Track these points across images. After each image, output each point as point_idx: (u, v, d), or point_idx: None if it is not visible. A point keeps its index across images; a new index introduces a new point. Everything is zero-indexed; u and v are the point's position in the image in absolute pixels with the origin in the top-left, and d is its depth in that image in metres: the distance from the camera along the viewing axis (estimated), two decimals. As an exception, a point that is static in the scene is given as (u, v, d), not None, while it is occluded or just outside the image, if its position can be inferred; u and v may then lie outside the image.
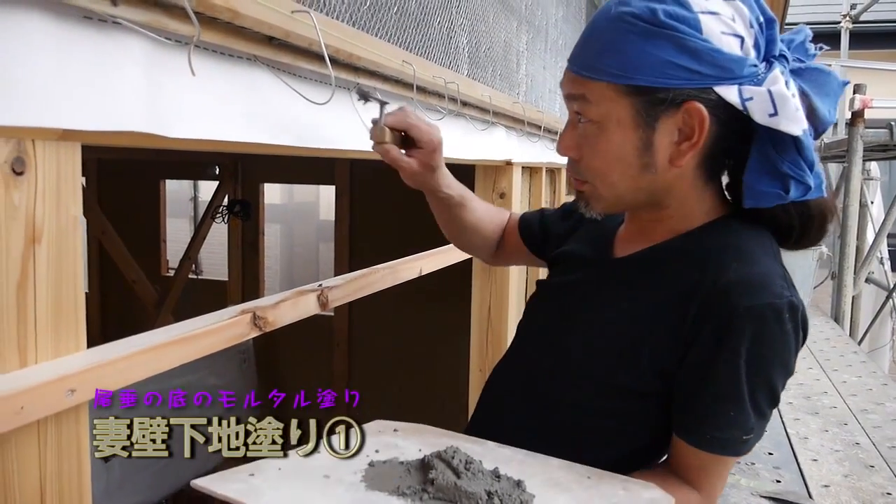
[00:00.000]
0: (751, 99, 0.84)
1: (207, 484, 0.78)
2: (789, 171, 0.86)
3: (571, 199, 1.22)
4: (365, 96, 1.04)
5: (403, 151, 1.07)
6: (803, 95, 0.86)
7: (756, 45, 0.86)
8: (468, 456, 0.85)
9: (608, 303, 0.97)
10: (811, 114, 0.86)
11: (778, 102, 0.83)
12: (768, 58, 0.87)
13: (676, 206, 0.94)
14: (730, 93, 0.85)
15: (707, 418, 0.88)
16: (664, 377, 0.91)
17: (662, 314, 0.90)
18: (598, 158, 0.91)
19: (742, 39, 0.85)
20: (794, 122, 0.83)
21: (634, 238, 1.01)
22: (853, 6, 8.04)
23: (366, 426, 0.98)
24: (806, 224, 0.94)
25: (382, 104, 1.02)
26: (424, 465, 0.84)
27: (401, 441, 0.93)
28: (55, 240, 0.66)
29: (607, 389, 0.94)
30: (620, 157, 0.89)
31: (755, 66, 0.86)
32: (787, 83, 0.84)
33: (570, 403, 0.97)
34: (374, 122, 1.02)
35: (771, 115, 0.83)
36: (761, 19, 0.87)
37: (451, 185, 1.17)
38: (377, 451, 0.90)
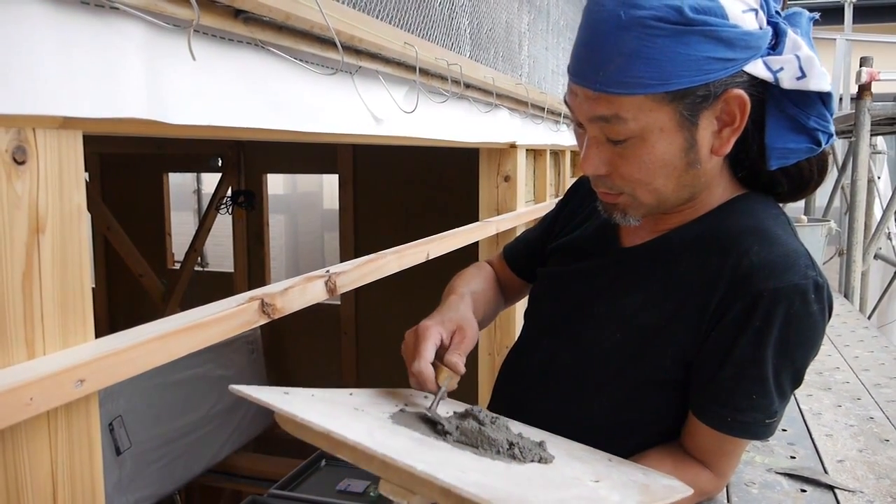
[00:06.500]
0: (781, 69, 0.83)
1: (244, 389, 0.78)
2: (816, 125, 0.85)
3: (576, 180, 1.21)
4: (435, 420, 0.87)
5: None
6: None
7: (762, 9, 0.85)
8: (494, 415, 0.86)
9: (623, 294, 0.95)
10: None
11: (805, 65, 0.82)
12: (769, 20, 0.86)
13: (706, 193, 0.93)
14: (757, 69, 0.83)
15: (728, 401, 0.87)
16: (687, 367, 0.90)
17: (683, 304, 0.89)
18: (641, 170, 0.86)
19: (756, 11, 0.83)
20: (823, 79, 0.83)
21: (643, 225, 0.98)
22: (856, -20, 7.95)
23: (397, 389, 0.99)
24: (821, 170, 0.95)
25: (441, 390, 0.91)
26: (451, 416, 0.85)
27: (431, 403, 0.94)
28: (59, 229, 0.65)
29: (628, 382, 0.93)
30: (665, 162, 0.85)
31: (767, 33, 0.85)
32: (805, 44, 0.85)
33: (590, 396, 0.96)
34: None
35: (799, 79, 0.83)
36: None
37: (476, 319, 1.02)
38: (406, 405, 0.91)
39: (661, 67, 0.79)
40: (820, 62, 0.84)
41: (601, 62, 0.81)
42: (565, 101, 0.91)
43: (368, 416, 0.82)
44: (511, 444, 0.79)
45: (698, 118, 0.83)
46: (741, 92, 0.83)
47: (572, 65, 0.86)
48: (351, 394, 0.93)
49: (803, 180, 0.95)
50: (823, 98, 0.85)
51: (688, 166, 0.86)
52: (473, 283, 1.15)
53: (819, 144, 0.87)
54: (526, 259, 1.21)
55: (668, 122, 0.82)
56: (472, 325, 0.97)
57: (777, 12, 0.87)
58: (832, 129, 0.87)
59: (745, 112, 0.83)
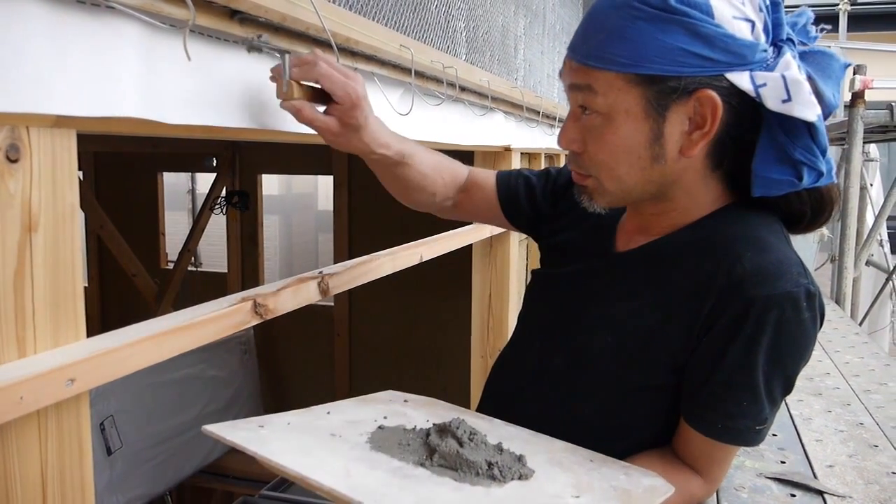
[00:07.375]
0: (764, 85, 0.82)
1: (217, 430, 0.79)
2: (802, 157, 0.84)
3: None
4: (257, 48, 0.85)
5: (322, 109, 0.93)
6: (809, 80, 0.84)
7: (765, 29, 0.84)
8: (473, 428, 0.86)
9: (616, 299, 0.95)
10: (817, 98, 0.84)
11: (792, 88, 0.81)
12: (776, 42, 0.85)
13: (683, 196, 0.92)
14: (742, 79, 0.82)
15: (718, 407, 0.87)
16: (678, 372, 0.90)
17: (674, 310, 0.89)
18: (605, 151, 0.88)
19: (753, 24, 0.83)
20: (809, 108, 0.81)
21: (637, 230, 0.98)
22: (851, -13, 8.01)
23: (376, 395, 1.00)
24: (817, 210, 0.92)
25: (284, 53, 0.87)
26: (429, 433, 0.86)
27: (410, 411, 0.95)
28: (52, 228, 0.65)
29: (620, 386, 0.93)
30: (629, 149, 0.86)
31: (765, 50, 0.84)
32: (798, 68, 0.83)
33: (580, 400, 0.96)
34: (278, 75, 0.88)
35: (784, 101, 0.81)
36: (768, 1, 0.85)
37: (387, 144, 1.01)
38: (385, 418, 0.92)
39: (635, 49, 0.81)
40: (811, 93, 0.81)
41: (588, 36, 0.86)
42: (560, 75, 0.93)
43: (345, 445, 0.83)
44: (490, 465, 0.80)
45: (667, 110, 0.84)
46: (714, 94, 0.82)
47: (571, 41, 0.90)
48: (328, 412, 0.93)
49: (793, 216, 0.93)
50: (811, 129, 0.83)
51: (653, 160, 0.87)
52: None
53: (801, 179, 0.85)
54: (525, 200, 1.17)
55: (634, 105, 0.84)
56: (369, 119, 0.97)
57: (790, 39, 0.86)
58: (822, 166, 0.84)
59: (717, 117, 0.83)
